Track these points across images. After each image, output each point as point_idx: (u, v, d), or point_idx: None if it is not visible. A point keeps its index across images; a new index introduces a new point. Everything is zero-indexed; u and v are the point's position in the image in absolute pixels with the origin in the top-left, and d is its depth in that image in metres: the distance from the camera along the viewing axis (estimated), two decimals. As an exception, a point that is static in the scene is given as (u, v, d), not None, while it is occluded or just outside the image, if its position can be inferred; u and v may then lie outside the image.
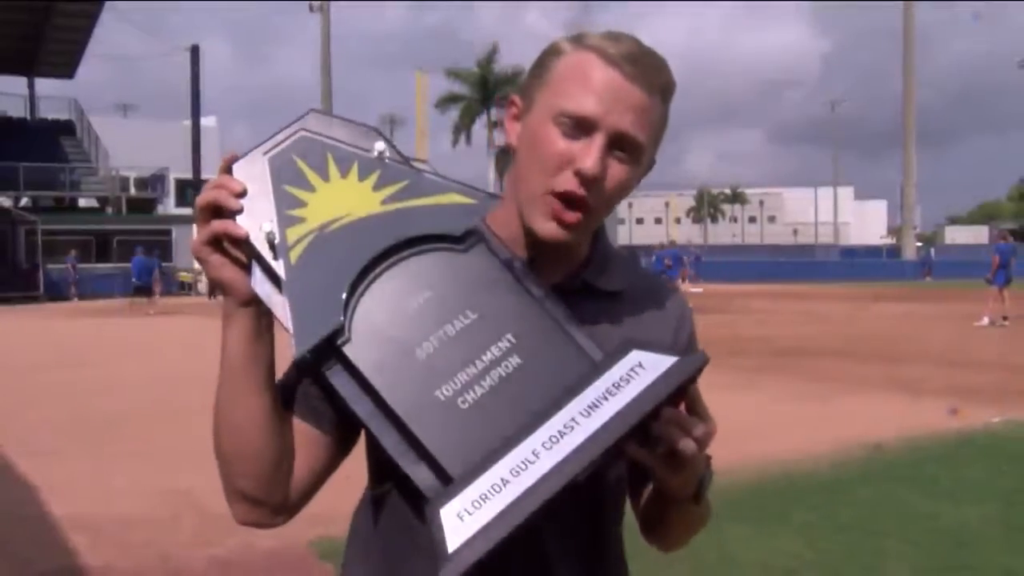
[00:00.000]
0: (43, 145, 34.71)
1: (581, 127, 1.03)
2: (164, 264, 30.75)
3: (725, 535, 4.30)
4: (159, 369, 11.41)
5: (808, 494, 5.24)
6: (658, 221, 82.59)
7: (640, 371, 0.91)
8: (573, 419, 0.89)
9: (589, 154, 1.02)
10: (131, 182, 36.83)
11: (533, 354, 0.94)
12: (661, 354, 0.92)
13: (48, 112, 37.98)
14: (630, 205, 77.69)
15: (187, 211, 34.76)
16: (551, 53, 1.09)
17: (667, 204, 79.88)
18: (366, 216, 0.97)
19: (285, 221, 0.96)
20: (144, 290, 23.67)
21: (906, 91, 50.98)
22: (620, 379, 0.91)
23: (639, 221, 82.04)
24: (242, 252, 0.98)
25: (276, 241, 0.95)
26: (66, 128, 37.04)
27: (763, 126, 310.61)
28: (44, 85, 38.95)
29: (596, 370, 0.93)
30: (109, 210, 34.26)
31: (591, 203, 1.05)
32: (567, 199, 1.04)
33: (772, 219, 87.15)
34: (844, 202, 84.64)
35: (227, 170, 0.99)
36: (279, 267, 0.94)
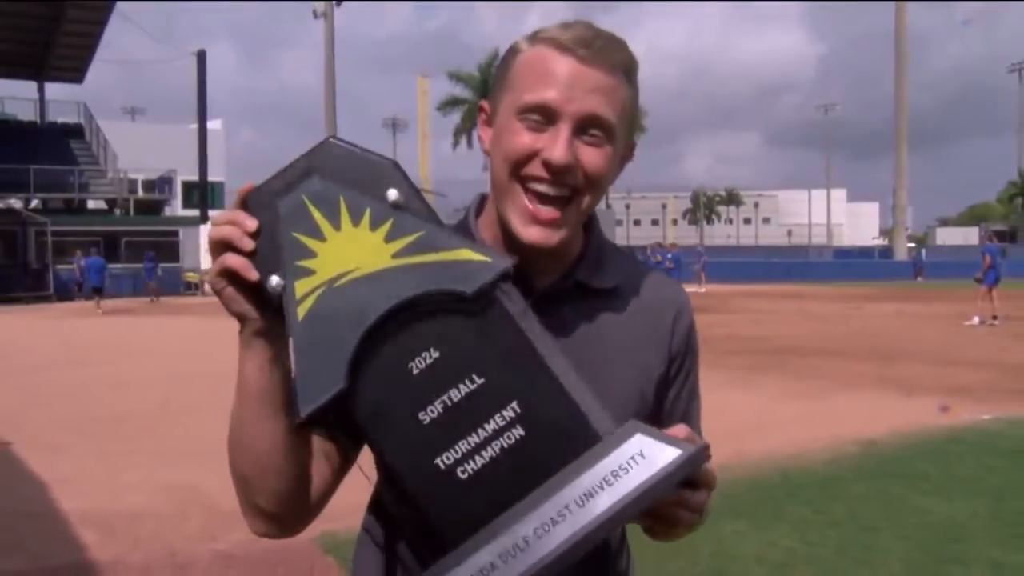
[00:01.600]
0: (53, 148, 34.70)
1: (545, 118, 1.01)
2: (171, 265, 30.83)
3: (721, 529, 4.30)
4: (165, 367, 11.41)
5: (802, 490, 5.25)
6: (655, 223, 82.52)
7: (640, 461, 0.88)
8: (567, 507, 0.87)
9: (556, 143, 1.00)
10: (139, 184, 36.82)
11: (536, 426, 0.91)
12: (664, 442, 0.89)
13: (58, 116, 37.96)
14: (628, 207, 77.68)
15: (194, 213, 34.84)
16: (510, 54, 1.08)
17: (664, 206, 79.83)
18: (376, 271, 0.92)
19: (294, 272, 0.92)
20: (98, 290, 23.71)
21: (898, 94, 51.02)
22: (619, 468, 0.88)
23: (636, 223, 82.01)
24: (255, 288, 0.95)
25: (285, 294, 0.92)
26: (75, 131, 37.03)
27: (759, 129, 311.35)
28: (54, 89, 38.95)
29: (597, 453, 0.90)
30: (117, 212, 34.25)
31: (572, 185, 1.02)
32: (540, 196, 1.02)
33: (767, 220, 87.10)
34: (837, 204, 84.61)
35: (242, 203, 0.96)
36: (287, 318, 0.92)
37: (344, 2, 44.84)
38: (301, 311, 0.91)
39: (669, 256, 28.34)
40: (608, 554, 1.15)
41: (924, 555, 4.09)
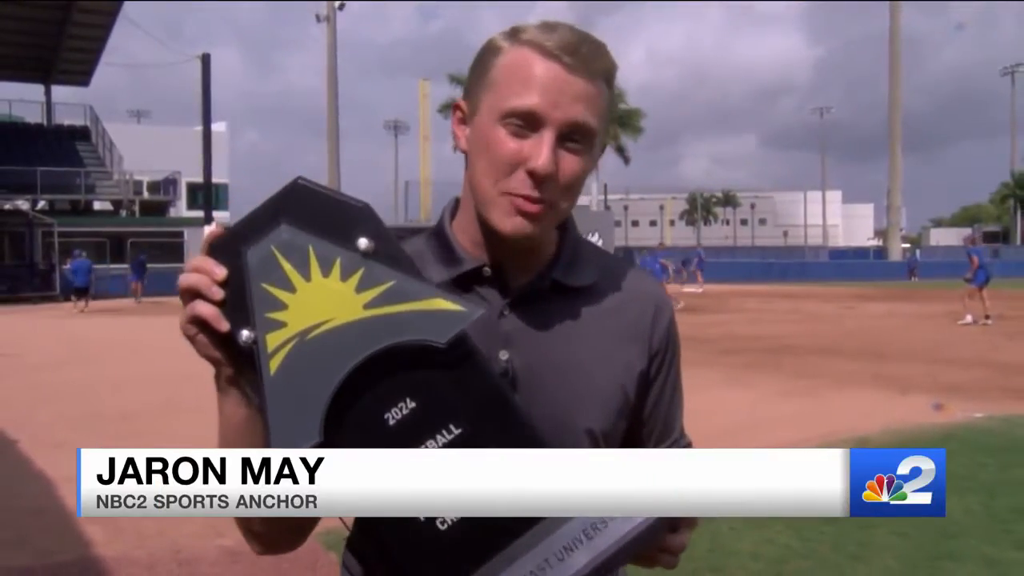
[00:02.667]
0: (59, 150, 34.69)
1: (529, 124, 0.99)
2: (177, 265, 30.82)
3: (717, 526, 4.31)
4: (170, 366, 11.38)
5: (797, 487, 5.24)
6: (653, 224, 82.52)
7: (617, 516, 0.87)
8: (547, 560, 0.86)
9: (540, 152, 0.98)
10: (144, 186, 36.82)
11: None
12: None
13: (64, 118, 37.94)
14: (626, 208, 77.65)
15: (198, 214, 34.81)
16: (489, 52, 1.04)
17: (661, 207, 79.88)
18: (348, 323, 0.89)
19: (265, 325, 0.89)
20: (83, 291, 23.59)
21: (892, 96, 51.01)
22: (599, 520, 0.87)
23: (634, 223, 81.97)
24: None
25: (256, 347, 0.90)
26: (82, 134, 37.02)
27: (756, 131, 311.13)
28: (60, 92, 38.94)
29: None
30: (123, 213, 34.25)
31: (549, 198, 1.01)
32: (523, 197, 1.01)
33: (763, 222, 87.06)
34: (832, 205, 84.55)
35: (210, 249, 0.94)
36: (259, 372, 0.90)
37: (347, 2, 44.74)
38: (274, 364, 0.89)
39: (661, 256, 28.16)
40: None
41: (918, 551, 4.09)
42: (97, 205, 35.08)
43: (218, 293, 0.91)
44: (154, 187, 37.21)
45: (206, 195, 33.32)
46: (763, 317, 19.27)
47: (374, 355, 0.89)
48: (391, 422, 0.90)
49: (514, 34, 1.03)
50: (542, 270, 1.10)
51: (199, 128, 35.60)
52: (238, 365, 0.95)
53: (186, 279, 0.93)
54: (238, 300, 0.91)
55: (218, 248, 0.94)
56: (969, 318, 16.47)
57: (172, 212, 36.53)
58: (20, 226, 30.09)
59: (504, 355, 1.04)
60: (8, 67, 35.62)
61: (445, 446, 0.90)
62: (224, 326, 0.91)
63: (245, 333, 0.90)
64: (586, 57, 1.00)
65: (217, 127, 39.64)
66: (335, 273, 0.91)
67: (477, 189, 1.04)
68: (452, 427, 0.90)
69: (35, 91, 38.16)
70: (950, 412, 7.50)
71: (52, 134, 36.58)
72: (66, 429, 7.20)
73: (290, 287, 0.91)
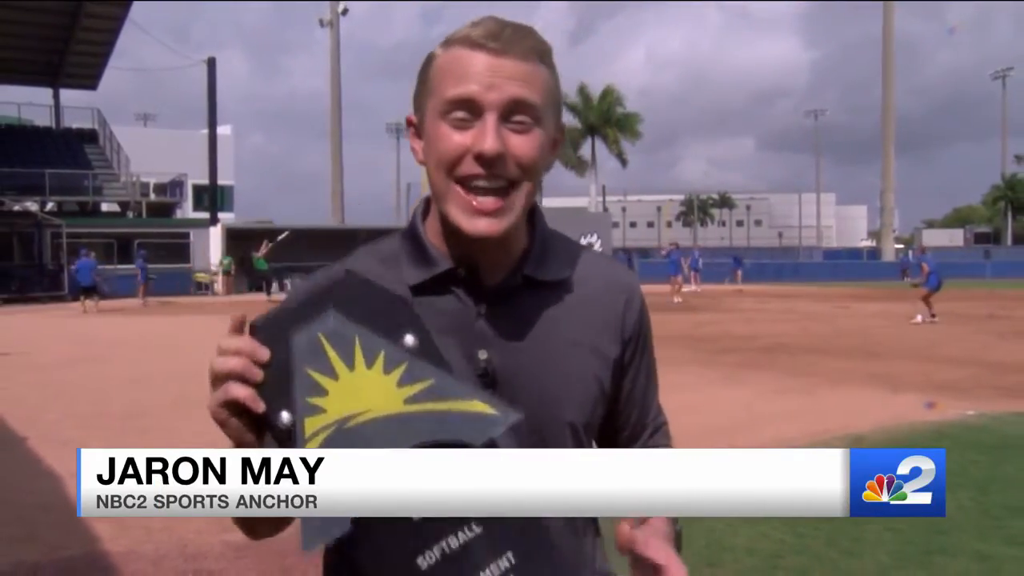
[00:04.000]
0: (68, 153, 34.70)
1: (470, 113, 0.99)
2: (182, 266, 30.85)
3: (713, 522, 4.30)
4: (177, 365, 11.40)
5: (792, 483, 5.23)
6: (650, 225, 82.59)
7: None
8: None
9: (484, 135, 0.98)
10: (151, 188, 36.84)
11: None
12: None
13: (72, 121, 37.94)
14: (624, 209, 77.65)
15: (204, 215, 34.86)
16: (427, 63, 1.06)
17: (659, 209, 79.94)
18: (387, 415, 0.89)
19: (305, 410, 0.89)
20: (91, 290, 23.44)
21: (885, 99, 51.01)
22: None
23: (632, 225, 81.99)
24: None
25: (294, 431, 0.89)
26: (89, 136, 37.02)
27: (752, 134, 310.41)
28: (68, 96, 38.95)
29: None
30: (130, 214, 34.26)
31: (505, 175, 1.00)
32: (475, 186, 1.00)
33: (759, 223, 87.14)
34: (827, 207, 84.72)
35: (253, 329, 0.91)
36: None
37: (351, 3, 44.71)
38: (310, 449, 0.89)
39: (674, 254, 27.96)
40: (574, 533, 1.12)
41: (911, 547, 4.08)
42: (104, 207, 35.10)
43: (258, 375, 0.88)
44: (160, 189, 37.23)
45: (211, 197, 33.40)
46: (758, 317, 19.27)
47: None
48: (417, 517, 0.90)
49: (446, 41, 1.05)
50: (514, 266, 1.09)
51: (205, 131, 35.73)
52: (262, 446, 0.92)
53: (224, 364, 0.88)
54: (277, 383, 0.90)
55: (263, 329, 0.92)
56: (919, 317, 17.05)
57: (178, 213, 36.55)
58: (29, 227, 30.12)
59: (483, 354, 1.04)
60: (17, 71, 35.62)
61: (465, 544, 0.90)
62: (261, 407, 0.89)
63: (285, 416, 0.89)
64: (510, 39, 1.01)
65: (223, 130, 39.74)
66: (378, 365, 0.90)
67: (433, 187, 1.04)
68: (474, 526, 0.90)
69: (43, 95, 38.20)
70: (942, 409, 7.49)
71: (60, 137, 36.59)
72: (74, 427, 7.20)
73: (333, 374, 0.90)
